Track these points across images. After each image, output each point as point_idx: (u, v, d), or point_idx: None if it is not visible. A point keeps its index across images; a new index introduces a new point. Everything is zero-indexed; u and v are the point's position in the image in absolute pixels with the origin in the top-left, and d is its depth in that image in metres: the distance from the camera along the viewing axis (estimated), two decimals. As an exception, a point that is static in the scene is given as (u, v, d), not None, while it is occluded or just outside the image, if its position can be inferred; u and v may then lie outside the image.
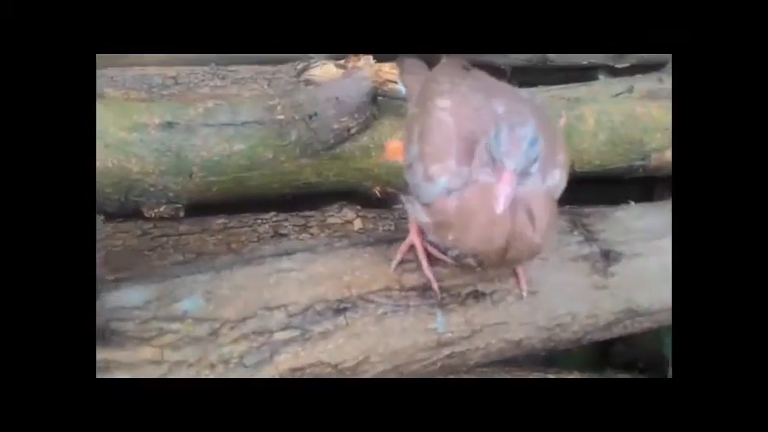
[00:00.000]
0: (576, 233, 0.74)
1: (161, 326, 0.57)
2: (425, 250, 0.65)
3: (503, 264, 0.59)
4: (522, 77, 1.35)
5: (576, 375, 1.01)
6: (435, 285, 0.65)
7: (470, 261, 0.59)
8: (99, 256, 0.88)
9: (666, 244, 0.75)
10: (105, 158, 0.88)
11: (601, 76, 1.25)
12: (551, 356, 1.08)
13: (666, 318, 0.75)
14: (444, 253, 0.62)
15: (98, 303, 0.58)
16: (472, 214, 0.55)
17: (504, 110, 0.55)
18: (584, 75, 1.24)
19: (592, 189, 1.12)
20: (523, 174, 0.52)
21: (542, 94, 1.11)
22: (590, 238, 0.73)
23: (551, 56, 1.36)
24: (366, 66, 0.95)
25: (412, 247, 0.66)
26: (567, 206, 1.03)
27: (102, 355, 0.55)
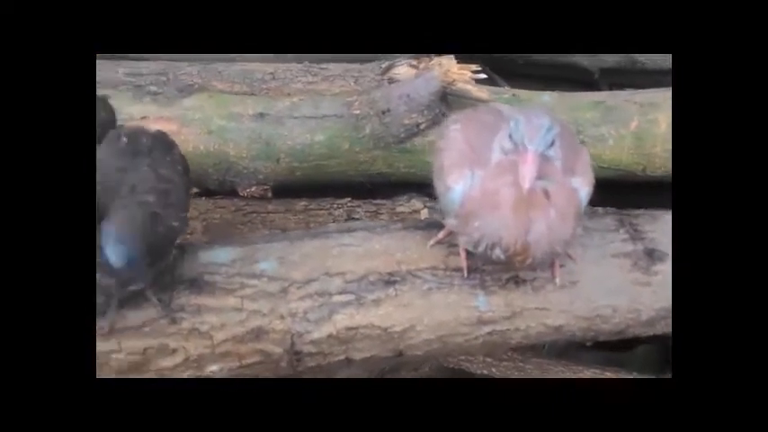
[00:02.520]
0: (621, 231, 0.77)
1: (242, 281, 0.69)
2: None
3: (527, 249, 0.64)
4: (612, 79, 1.36)
5: (634, 375, 1.02)
6: (464, 264, 0.72)
7: (498, 253, 0.65)
8: (199, 225, 1.01)
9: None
10: (208, 143, 1.02)
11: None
12: (613, 356, 1.09)
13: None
14: (474, 250, 0.68)
15: (192, 258, 0.70)
16: (493, 193, 0.62)
17: (519, 113, 0.62)
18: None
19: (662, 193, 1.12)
20: (543, 156, 0.59)
21: (614, 99, 1.13)
22: (636, 237, 0.76)
23: (641, 58, 1.35)
24: (436, 66, 1.02)
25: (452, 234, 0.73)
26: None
27: (196, 300, 0.67)
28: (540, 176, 0.59)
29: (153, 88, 1.05)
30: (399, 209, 1.10)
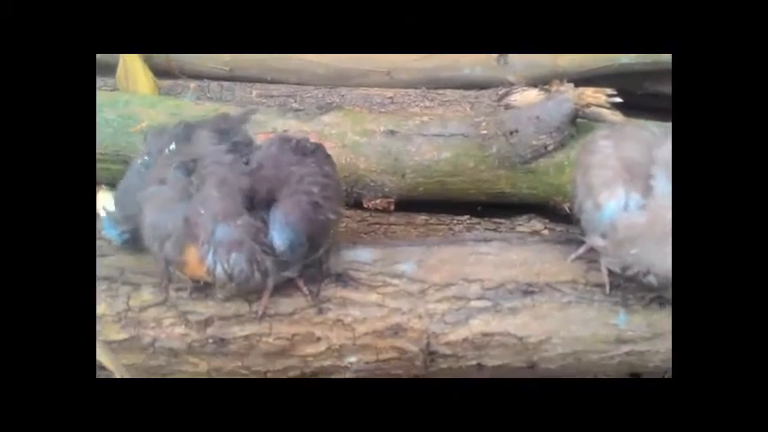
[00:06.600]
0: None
1: (384, 279, 0.72)
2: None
3: None
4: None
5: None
6: (607, 281, 0.70)
7: (651, 279, 0.63)
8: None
9: None
10: (341, 156, 1.08)
11: None
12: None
13: None
14: (621, 272, 0.67)
15: (337, 255, 0.74)
16: (664, 224, 0.60)
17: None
18: None
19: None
20: None
21: None
22: None
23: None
24: (569, 89, 1.03)
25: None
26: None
27: (341, 293, 0.71)
28: None
29: (295, 105, 1.13)
30: (519, 229, 1.10)
